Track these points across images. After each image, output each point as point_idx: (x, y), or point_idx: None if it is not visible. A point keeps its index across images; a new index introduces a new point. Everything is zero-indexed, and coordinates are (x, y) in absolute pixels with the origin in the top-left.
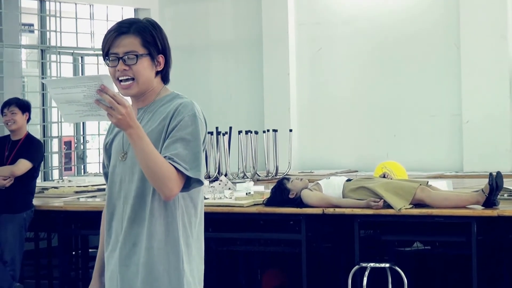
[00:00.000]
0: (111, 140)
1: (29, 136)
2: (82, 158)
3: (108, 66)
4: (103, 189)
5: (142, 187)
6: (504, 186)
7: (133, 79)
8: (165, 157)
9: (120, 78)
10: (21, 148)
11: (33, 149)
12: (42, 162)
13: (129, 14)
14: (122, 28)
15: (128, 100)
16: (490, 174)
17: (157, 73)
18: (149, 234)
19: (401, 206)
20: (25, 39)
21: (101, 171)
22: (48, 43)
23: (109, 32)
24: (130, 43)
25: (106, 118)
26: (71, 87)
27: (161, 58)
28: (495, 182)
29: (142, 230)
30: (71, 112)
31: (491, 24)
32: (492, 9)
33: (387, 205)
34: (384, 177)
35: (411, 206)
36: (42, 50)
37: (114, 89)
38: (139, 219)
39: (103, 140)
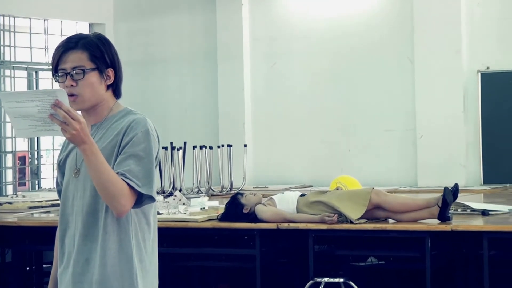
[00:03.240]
0: (65, 157)
1: None
2: (36, 173)
3: (58, 82)
4: (58, 205)
5: (95, 204)
6: (458, 200)
7: (77, 95)
8: (117, 173)
9: (68, 94)
10: None
11: None
12: None
13: (83, 29)
14: (70, 44)
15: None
16: (445, 188)
17: (108, 87)
18: (103, 250)
19: (357, 216)
20: None
21: (55, 188)
22: (2, 58)
23: (57, 48)
24: (77, 58)
25: (60, 133)
26: (25, 101)
27: (110, 72)
28: (445, 198)
29: (95, 246)
30: (25, 126)
31: (445, 39)
32: (446, 24)
33: (342, 220)
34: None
35: (365, 220)
36: None
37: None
38: (91, 236)
39: (57, 158)
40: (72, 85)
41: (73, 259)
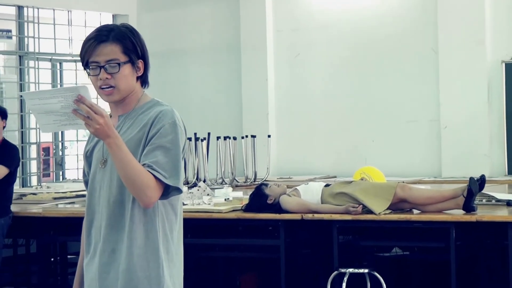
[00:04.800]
0: (92, 148)
1: (4, 142)
2: (60, 164)
3: (89, 75)
4: (82, 195)
5: (122, 194)
6: (483, 191)
7: (114, 87)
8: (144, 164)
9: (102, 87)
10: None
11: (9, 154)
12: (21, 169)
13: (107, 20)
14: (102, 36)
15: (107, 108)
16: (471, 178)
17: (137, 78)
18: (129, 240)
19: (380, 210)
20: (3, 45)
21: (81, 178)
22: (26, 49)
23: (88, 40)
24: (111, 51)
25: (84, 127)
26: (48, 98)
27: (140, 64)
28: (470, 188)
29: (122, 236)
30: (49, 122)
31: (468, 29)
32: (470, 15)
33: (366, 211)
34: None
35: (390, 211)
36: (20, 56)
37: (92, 99)
38: (118, 226)
39: (84, 148)
40: (107, 78)
41: (100, 249)
